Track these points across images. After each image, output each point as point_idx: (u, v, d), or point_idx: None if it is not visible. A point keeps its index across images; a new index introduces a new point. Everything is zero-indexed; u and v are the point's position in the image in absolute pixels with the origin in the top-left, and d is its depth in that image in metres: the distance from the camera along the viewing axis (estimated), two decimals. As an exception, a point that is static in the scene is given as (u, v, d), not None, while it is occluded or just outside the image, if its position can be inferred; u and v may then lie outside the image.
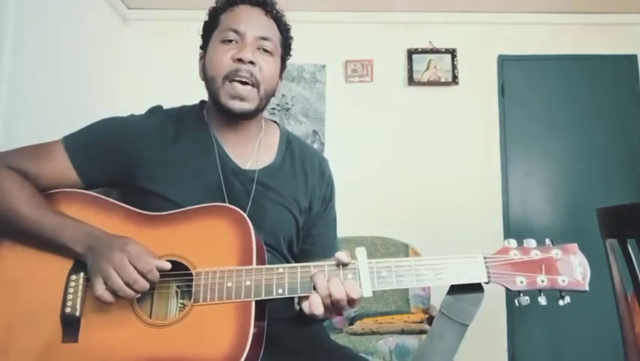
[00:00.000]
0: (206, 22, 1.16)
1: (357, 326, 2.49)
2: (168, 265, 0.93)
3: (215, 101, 1.11)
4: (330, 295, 0.90)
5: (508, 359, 3.22)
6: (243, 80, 1.07)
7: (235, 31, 1.09)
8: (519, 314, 3.23)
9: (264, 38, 1.10)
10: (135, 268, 0.91)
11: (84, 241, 0.96)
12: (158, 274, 0.92)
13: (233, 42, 1.09)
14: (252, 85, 1.08)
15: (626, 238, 1.33)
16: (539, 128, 3.43)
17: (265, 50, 1.10)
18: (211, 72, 1.10)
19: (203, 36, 1.16)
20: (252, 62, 1.07)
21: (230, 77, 1.07)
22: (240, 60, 1.06)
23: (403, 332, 2.39)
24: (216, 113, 1.14)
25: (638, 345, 1.40)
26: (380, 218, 3.23)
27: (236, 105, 1.08)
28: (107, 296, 0.91)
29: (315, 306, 0.91)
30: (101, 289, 0.91)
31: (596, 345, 3.06)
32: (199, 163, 1.11)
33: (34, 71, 2.47)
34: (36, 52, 2.47)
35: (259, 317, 0.93)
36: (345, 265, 0.93)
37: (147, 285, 0.92)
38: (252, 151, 1.16)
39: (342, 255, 0.93)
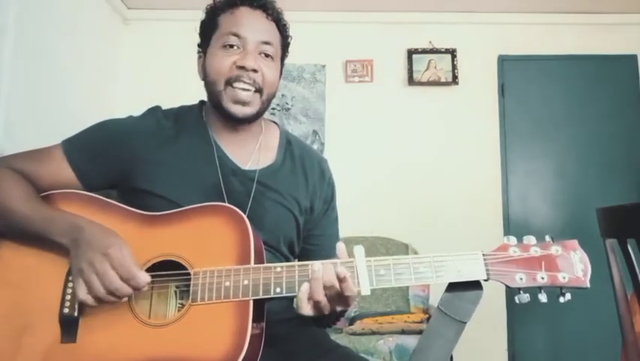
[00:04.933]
0: (203, 22, 1.15)
1: (357, 326, 2.49)
2: (148, 278, 0.91)
3: (216, 104, 1.11)
4: (325, 287, 0.89)
5: (508, 359, 3.22)
6: (246, 87, 1.07)
7: (236, 36, 1.08)
8: (519, 314, 3.23)
9: (265, 43, 1.09)
10: (118, 274, 0.90)
11: (68, 232, 0.96)
12: (142, 282, 0.90)
13: (235, 47, 1.08)
14: (255, 90, 1.08)
15: (626, 238, 1.33)
16: (539, 128, 3.43)
17: (267, 55, 1.10)
18: (212, 76, 1.09)
19: (201, 35, 1.16)
20: (254, 70, 1.07)
21: (232, 82, 1.07)
22: (242, 67, 1.06)
23: (403, 332, 2.39)
24: (216, 115, 1.14)
25: (638, 345, 1.40)
26: (380, 218, 3.23)
27: (239, 110, 1.08)
28: (90, 301, 0.91)
29: (300, 300, 0.90)
30: (83, 293, 0.91)
31: (596, 345, 3.06)
32: (198, 163, 1.11)
33: (35, 70, 2.46)
34: (36, 52, 2.47)
35: (258, 317, 0.93)
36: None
37: (130, 291, 0.91)
38: (252, 151, 1.16)
39: (341, 246, 0.93)
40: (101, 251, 0.91)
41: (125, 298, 0.92)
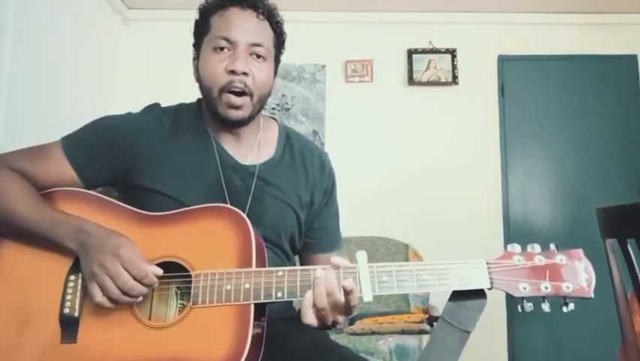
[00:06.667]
0: (197, 22, 1.14)
1: (357, 326, 2.49)
2: (160, 271, 0.93)
3: (212, 110, 1.11)
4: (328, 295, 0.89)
5: (508, 359, 3.22)
6: (237, 91, 1.07)
7: (226, 39, 1.07)
8: (519, 315, 3.23)
9: (256, 45, 1.09)
10: (130, 274, 0.91)
11: (76, 236, 0.96)
12: (155, 279, 0.92)
13: (225, 50, 1.07)
14: (246, 94, 1.08)
15: (626, 238, 1.33)
16: (539, 128, 3.43)
17: (258, 56, 1.09)
18: (206, 83, 1.09)
19: (194, 35, 1.15)
20: (244, 73, 1.06)
21: (225, 90, 1.07)
22: (232, 72, 1.06)
23: (403, 332, 2.38)
24: (213, 117, 1.15)
25: (638, 345, 1.40)
26: (380, 218, 3.23)
27: (233, 114, 1.08)
28: (107, 303, 0.91)
29: (304, 307, 0.90)
30: (99, 296, 0.91)
31: (596, 345, 3.06)
32: (198, 160, 1.11)
33: (35, 70, 2.46)
34: (36, 52, 2.47)
35: (259, 318, 0.93)
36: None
37: (144, 290, 0.92)
38: (252, 147, 1.16)
39: (338, 260, 0.92)
40: (111, 252, 0.92)
41: (140, 298, 0.92)
